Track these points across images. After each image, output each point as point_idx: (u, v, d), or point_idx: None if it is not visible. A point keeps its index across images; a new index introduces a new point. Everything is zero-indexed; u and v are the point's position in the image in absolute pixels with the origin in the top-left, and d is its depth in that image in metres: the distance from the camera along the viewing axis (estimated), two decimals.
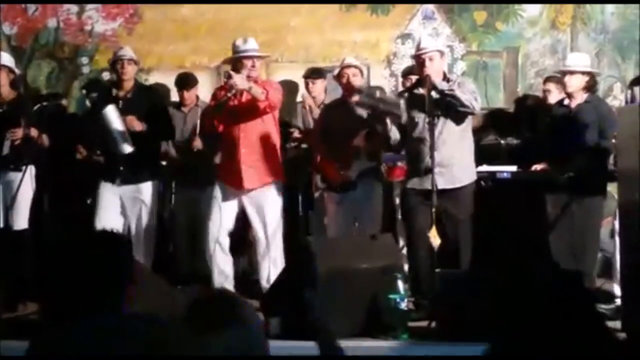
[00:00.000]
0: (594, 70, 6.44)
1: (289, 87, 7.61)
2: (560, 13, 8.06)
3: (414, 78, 6.54)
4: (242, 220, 6.20)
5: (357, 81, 6.36)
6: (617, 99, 7.70)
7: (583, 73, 6.16)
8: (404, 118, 5.85)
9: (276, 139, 6.18)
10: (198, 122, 6.77)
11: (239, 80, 5.84)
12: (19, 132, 6.18)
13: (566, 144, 6.11)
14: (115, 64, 6.32)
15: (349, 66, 6.38)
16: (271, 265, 6.03)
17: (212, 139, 6.47)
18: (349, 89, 6.34)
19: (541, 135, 6.46)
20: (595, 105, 6.24)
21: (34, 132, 6.21)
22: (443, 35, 7.89)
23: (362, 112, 6.19)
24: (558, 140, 6.17)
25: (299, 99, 7.49)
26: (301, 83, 7.37)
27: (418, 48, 5.88)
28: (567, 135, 6.13)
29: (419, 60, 5.82)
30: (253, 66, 6.01)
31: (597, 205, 6.12)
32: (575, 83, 6.15)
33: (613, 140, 6.17)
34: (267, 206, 6.07)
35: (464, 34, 8.12)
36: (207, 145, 6.75)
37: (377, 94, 5.95)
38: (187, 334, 1.95)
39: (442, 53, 5.92)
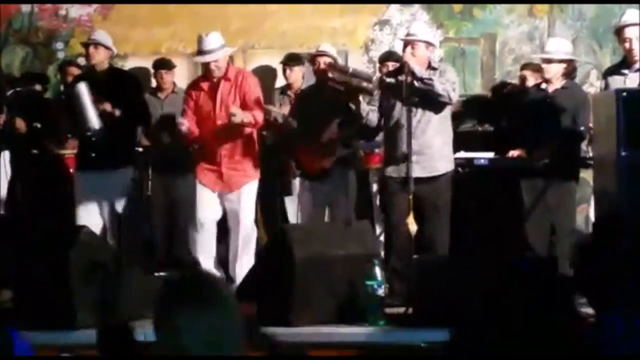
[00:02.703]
0: (573, 57, 6.42)
1: (267, 74, 7.56)
2: None
3: (390, 64, 6.53)
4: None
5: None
6: (593, 86, 7.72)
7: (561, 60, 6.16)
8: (377, 97, 5.83)
9: (254, 139, 6.20)
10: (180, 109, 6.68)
11: (238, 116, 5.87)
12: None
13: (542, 129, 6.13)
14: (87, 47, 6.31)
15: (323, 54, 6.35)
16: (243, 267, 5.98)
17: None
18: (323, 76, 6.32)
19: (517, 120, 6.47)
20: (572, 91, 6.26)
21: (17, 122, 6.15)
22: (420, 22, 7.85)
23: (337, 100, 6.17)
24: (534, 124, 6.18)
25: (277, 85, 7.44)
26: (279, 69, 7.33)
27: (407, 33, 5.89)
28: (543, 119, 6.15)
29: (403, 45, 5.83)
30: (217, 66, 5.99)
31: (572, 190, 6.15)
32: (554, 70, 6.16)
33: (582, 128, 6.22)
34: (243, 210, 6.09)
35: (441, 20, 8.11)
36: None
37: (350, 69, 5.94)
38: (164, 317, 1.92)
39: (428, 44, 5.86)
